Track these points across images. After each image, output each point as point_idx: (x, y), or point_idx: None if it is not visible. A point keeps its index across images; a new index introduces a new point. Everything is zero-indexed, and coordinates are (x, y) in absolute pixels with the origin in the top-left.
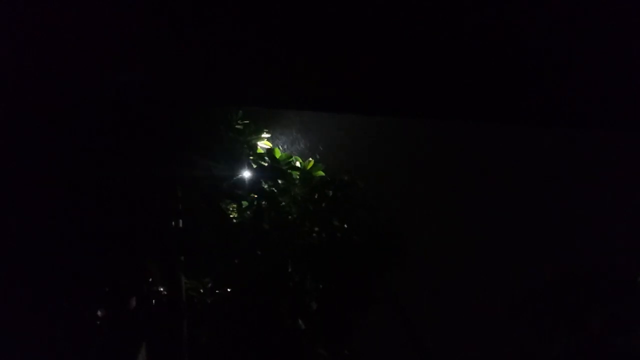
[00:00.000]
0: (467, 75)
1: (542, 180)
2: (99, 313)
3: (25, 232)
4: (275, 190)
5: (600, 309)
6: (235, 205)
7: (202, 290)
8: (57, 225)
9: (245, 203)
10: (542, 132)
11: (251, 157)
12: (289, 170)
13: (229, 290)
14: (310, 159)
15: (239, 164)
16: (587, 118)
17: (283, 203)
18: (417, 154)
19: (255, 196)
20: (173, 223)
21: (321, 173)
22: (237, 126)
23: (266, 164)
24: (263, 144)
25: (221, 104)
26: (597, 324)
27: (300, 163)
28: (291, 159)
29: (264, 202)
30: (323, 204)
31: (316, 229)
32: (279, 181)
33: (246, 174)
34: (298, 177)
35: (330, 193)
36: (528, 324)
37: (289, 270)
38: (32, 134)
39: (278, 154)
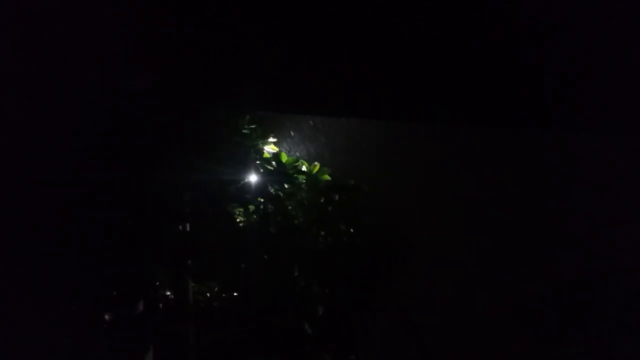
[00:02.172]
0: (471, 80)
1: (547, 184)
2: (106, 316)
3: (33, 236)
4: (282, 195)
5: (605, 313)
6: (242, 209)
7: (208, 294)
8: (65, 229)
9: (252, 207)
10: (547, 134)
11: (258, 162)
12: (295, 175)
13: (235, 294)
14: (316, 163)
15: (246, 168)
16: (589, 123)
17: (289, 207)
18: (422, 158)
19: (262, 200)
20: (180, 227)
21: (327, 177)
22: (244, 131)
23: (272, 168)
24: (269, 149)
25: (228, 109)
26: (601, 327)
27: (307, 167)
28: (297, 163)
29: (270, 206)
30: (329, 208)
31: (322, 233)
32: (285, 185)
33: (253, 178)
34: (304, 181)
35: (336, 197)
36: (532, 327)
37: (295, 274)
38: (39, 137)
39: (284, 158)
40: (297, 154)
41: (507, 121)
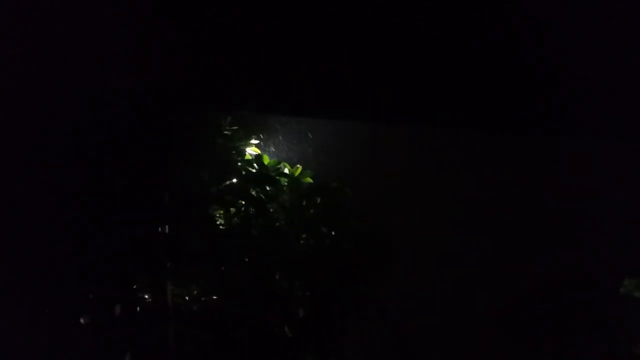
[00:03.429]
0: (463, 82)
1: (533, 192)
2: (82, 320)
3: (7, 237)
4: (264, 197)
5: (584, 317)
6: (222, 212)
7: (187, 297)
8: (41, 230)
9: (233, 209)
10: (530, 137)
11: (239, 163)
12: (277, 177)
13: (215, 297)
14: (299, 165)
15: (227, 170)
16: (589, 128)
17: (271, 209)
18: (407, 159)
19: (243, 202)
20: (160, 229)
21: (309, 179)
22: (225, 132)
23: (254, 170)
24: (251, 150)
25: (210, 109)
26: (581, 332)
27: (289, 169)
28: (279, 166)
29: (252, 209)
30: (311, 211)
31: (304, 235)
32: (267, 188)
33: (234, 180)
34: (286, 183)
35: (319, 200)
36: (514, 331)
37: (277, 277)
38: (15, 137)
39: (266, 160)
40: (280, 156)
41: (507, 126)
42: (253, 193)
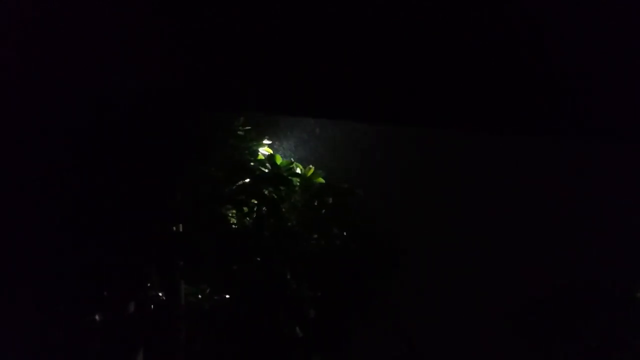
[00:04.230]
0: (464, 83)
1: (541, 193)
2: (96, 317)
3: (23, 235)
4: (276, 197)
5: (595, 322)
6: (235, 211)
7: (200, 296)
8: (55, 229)
9: (245, 209)
10: (542, 140)
11: (252, 163)
12: (289, 177)
13: (227, 296)
14: (311, 165)
15: (240, 169)
16: (591, 129)
17: (283, 209)
18: (417, 161)
19: (256, 202)
20: (173, 228)
21: (321, 180)
22: (238, 132)
23: (267, 170)
24: (264, 150)
25: (223, 110)
26: (592, 336)
27: (301, 170)
28: (292, 166)
29: (264, 209)
30: (322, 211)
31: (315, 236)
32: (280, 188)
33: (247, 180)
34: (298, 183)
35: (330, 200)
36: (524, 335)
37: (287, 277)
38: (30, 135)
39: (279, 160)
40: (292, 157)
41: (514, 127)
42: (265, 193)
